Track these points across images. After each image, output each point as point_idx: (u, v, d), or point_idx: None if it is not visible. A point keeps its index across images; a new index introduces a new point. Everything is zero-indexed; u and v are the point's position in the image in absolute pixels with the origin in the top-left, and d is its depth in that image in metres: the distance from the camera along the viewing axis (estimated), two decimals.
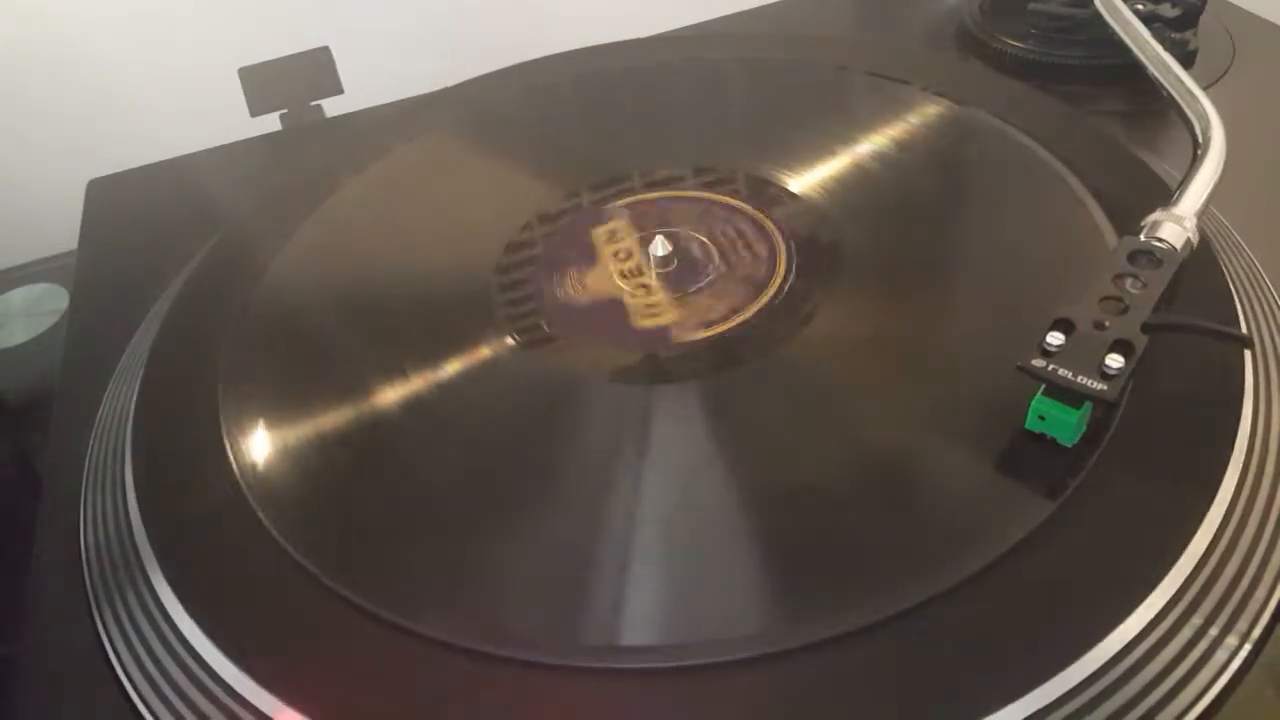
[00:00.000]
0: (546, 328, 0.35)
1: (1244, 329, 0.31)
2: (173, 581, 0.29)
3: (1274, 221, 0.38)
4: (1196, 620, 0.25)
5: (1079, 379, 0.27)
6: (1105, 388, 0.27)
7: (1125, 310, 0.29)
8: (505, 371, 0.34)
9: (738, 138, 0.44)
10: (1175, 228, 0.31)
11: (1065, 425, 0.28)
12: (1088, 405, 0.28)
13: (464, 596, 0.27)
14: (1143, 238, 0.31)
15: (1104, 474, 0.27)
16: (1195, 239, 0.32)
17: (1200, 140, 0.36)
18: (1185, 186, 0.33)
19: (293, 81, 0.52)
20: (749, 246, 0.37)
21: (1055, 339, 0.28)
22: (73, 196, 0.50)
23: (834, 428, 0.31)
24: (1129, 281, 0.30)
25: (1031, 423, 0.28)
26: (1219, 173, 0.34)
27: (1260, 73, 0.46)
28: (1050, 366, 0.27)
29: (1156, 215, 0.32)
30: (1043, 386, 0.28)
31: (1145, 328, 0.28)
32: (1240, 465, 0.27)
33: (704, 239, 0.38)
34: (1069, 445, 0.28)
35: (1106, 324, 0.28)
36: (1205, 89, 0.39)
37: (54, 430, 0.37)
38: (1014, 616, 0.25)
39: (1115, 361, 0.27)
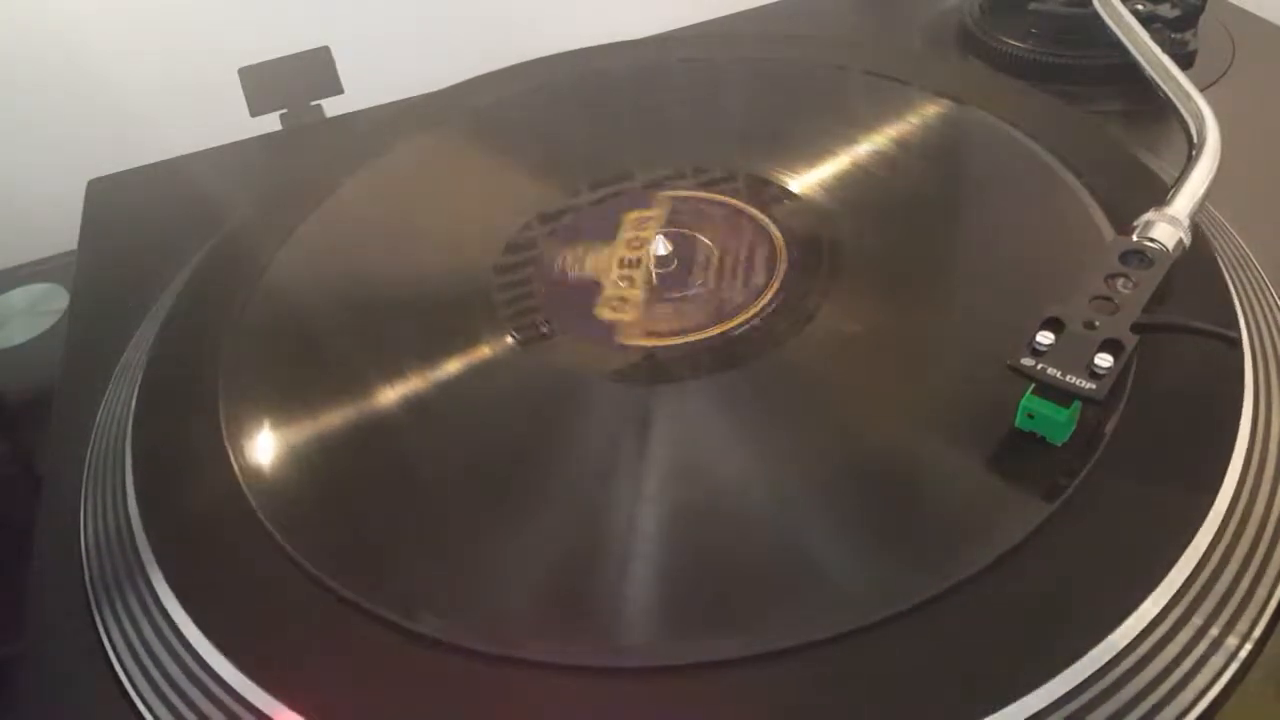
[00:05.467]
0: (546, 328, 0.35)
1: (1243, 329, 0.31)
2: (173, 581, 0.29)
3: (1274, 221, 0.38)
4: (1197, 620, 0.25)
5: (1068, 378, 0.27)
6: (1094, 387, 0.27)
7: (1116, 310, 0.29)
8: (505, 371, 0.34)
9: (738, 138, 0.44)
10: (1167, 228, 0.31)
11: (1054, 424, 0.28)
12: (1077, 404, 0.28)
13: (464, 596, 0.27)
14: (1135, 238, 0.31)
15: (1104, 474, 0.27)
16: (1188, 239, 0.32)
17: (1196, 140, 0.36)
18: (1179, 186, 0.33)
19: (293, 81, 0.52)
20: (749, 246, 0.37)
21: (1045, 338, 0.28)
22: (73, 196, 0.50)
23: (834, 428, 0.31)
24: (1120, 281, 0.30)
25: (1021, 421, 0.28)
26: (1214, 173, 0.34)
27: (1260, 73, 0.46)
28: (1039, 365, 0.28)
29: (1149, 215, 0.32)
30: (1032, 385, 0.28)
31: (1135, 327, 0.28)
32: (1240, 465, 0.27)
33: (704, 239, 0.38)
34: (1058, 444, 0.28)
35: (1097, 323, 0.28)
36: (1205, 89, 0.39)
37: (54, 430, 0.37)
38: (1014, 617, 0.25)
39: (1104, 361, 0.27)
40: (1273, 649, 0.25)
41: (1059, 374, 0.27)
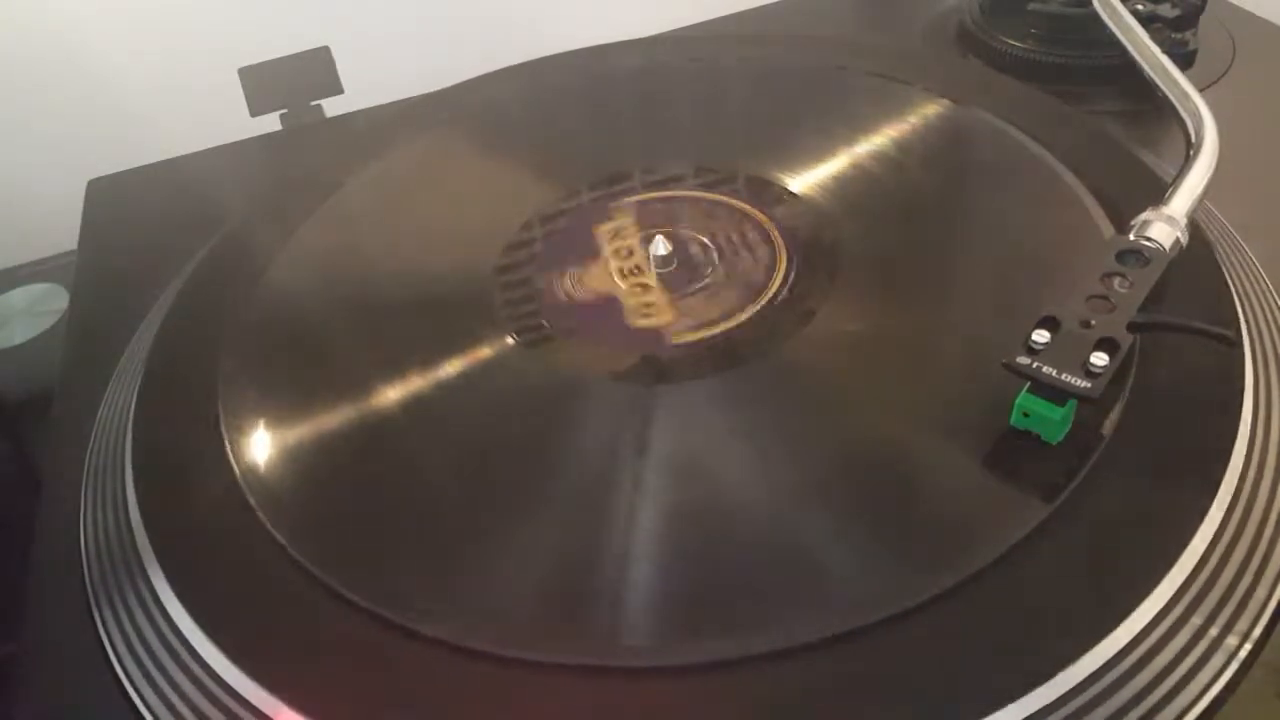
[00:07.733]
0: (547, 327, 0.35)
1: (1243, 329, 0.31)
2: (173, 581, 0.29)
3: (1274, 221, 0.38)
4: (1196, 620, 0.25)
5: (1063, 376, 0.27)
6: (1089, 385, 0.27)
7: (1112, 309, 0.29)
8: (505, 371, 0.34)
9: (738, 138, 0.44)
10: (1164, 227, 0.31)
11: (1049, 423, 0.28)
12: (1073, 403, 0.28)
13: (464, 596, 0.27)
14: (1132, 237, 0.31)
15: (1104, 474, 0.27)
16: (1184, 239, 0.32)
17: (1194, 140, 0.36)
18: (1176, 186, 0.33)
19: (293, 81, 0.52)
20: (749, 247, 0.37)
21: (1041, 337, 0.28)
22: (73, 196, 0.50)
23: (835, 428, 0.31)
24: (1117, 280, 0.30)
25: (1016, 419, 0.28)
26: (1211, 172, 0.34)
27: (1260, 73, 0.46)
28: (1035, 364, 0.28)
29: (1146, 214, 0.32)
30: (1028, 384, 0.28)
31: (1131, 327, 0.28)
32: (1240, 465, 0.27)
33: (705, 239, 0.38)
34: (1053, 443, 0.28)
35: (1092, 322, 0.28)
36: (1205, 89, 0.39)
37: (54, 430, 0.37)
38: (1014, 616, 0.25)
39: (1100, 360, 0.27)
40: (1273, 649, 0.25)
41: (1054, 373, 0.27)
